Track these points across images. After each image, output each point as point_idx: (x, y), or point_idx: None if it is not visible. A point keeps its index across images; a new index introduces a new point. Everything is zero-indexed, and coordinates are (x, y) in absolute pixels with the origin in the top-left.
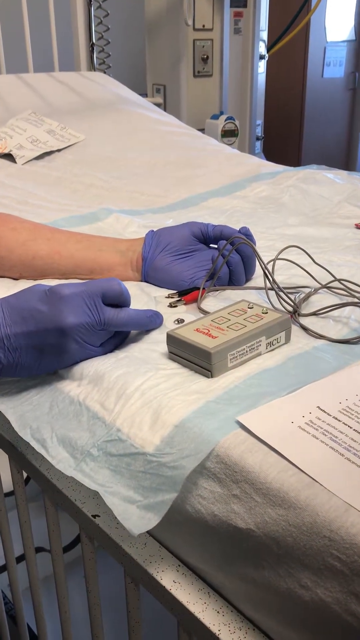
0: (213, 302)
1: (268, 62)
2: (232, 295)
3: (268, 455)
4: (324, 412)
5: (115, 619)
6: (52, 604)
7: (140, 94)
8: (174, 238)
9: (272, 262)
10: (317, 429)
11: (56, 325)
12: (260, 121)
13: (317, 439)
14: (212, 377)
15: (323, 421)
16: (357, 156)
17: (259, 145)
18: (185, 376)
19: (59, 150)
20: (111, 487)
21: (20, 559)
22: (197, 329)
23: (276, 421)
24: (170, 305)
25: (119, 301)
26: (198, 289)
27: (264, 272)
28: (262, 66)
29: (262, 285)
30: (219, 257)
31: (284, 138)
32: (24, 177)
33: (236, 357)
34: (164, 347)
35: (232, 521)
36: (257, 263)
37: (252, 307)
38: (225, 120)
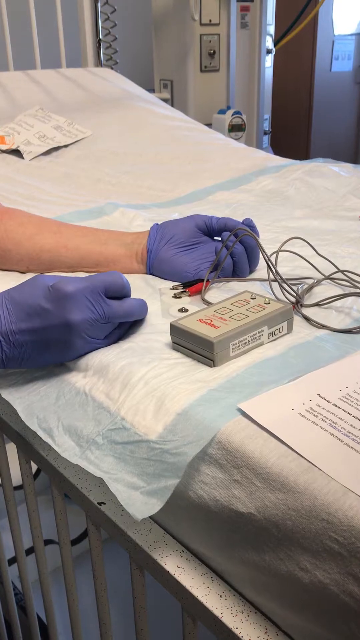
0: (217, 293)
1: (275, 57)
2: (236, 286)
3: (268, 441)
4: (324, 399)
5: (123, 608)
6: (62, 595)
7: (148, 90)
8: (178, 230)
9: (275, 254)
10: (316, 416)
11: (61, 322)
12: (267, 115)
13: (317, 425)
14: (214, 366)
15: (323, 408)
16: None
17: (266, 139)
18: (188, 365)
19: (66, 146)
20: (115, 474)
21: (30, 551)
22: (200, 320)
23: (277, 408)
24: (175, 296)
25: (122, 293)
26: (202, 280)
27: (267, 264)
28: (269, 60)
29: (266, 276)
30: (223, 249)
31: (292, 132)
32: (32, 173)
33: (238, 346)
34: (167, 337)
35: (233, 506)
36: (260, 254)
37: (254, 298)
38: (233, 114)
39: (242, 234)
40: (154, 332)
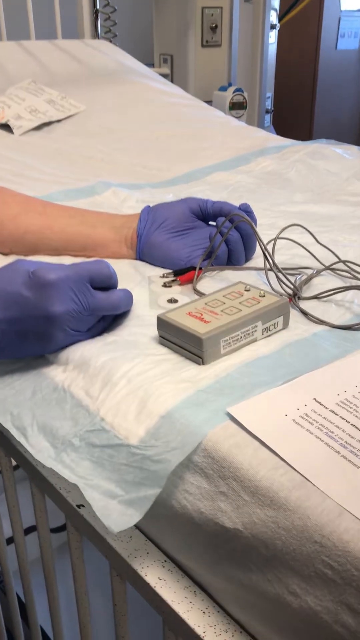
0: (209, 283)
1: (279, 33)
2: (230, 275)
3: (258, 451)
4: (321, 404)
5: (107, 598)
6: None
7: (147, 65)
8: (170, 214)
9: (272, 242)
10: (312, 423)
11: (41, 313)
12: (270, 94)
13: (312, 434)
14: (203, 364)
15: (319, 414)
16: None
17: (268, 118)
18: (175, 363)
19: (58, 121)
20: (92, 480)
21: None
22: (189, 313)
23: (269, 413)
24: (165, 285)
25: (108, 284)
26: (194, 268)
27: (263, 252)
28: (273, 36)
29: (262, 265)
30: (217, 236)
31: (295, 112)
32: (21, 149)
33: (229, 343)
34: (154, 331)
35: (218, 520)
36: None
37: (248, 290)
38: (234, 92)
39: (238, 220)
40: (141, 325)
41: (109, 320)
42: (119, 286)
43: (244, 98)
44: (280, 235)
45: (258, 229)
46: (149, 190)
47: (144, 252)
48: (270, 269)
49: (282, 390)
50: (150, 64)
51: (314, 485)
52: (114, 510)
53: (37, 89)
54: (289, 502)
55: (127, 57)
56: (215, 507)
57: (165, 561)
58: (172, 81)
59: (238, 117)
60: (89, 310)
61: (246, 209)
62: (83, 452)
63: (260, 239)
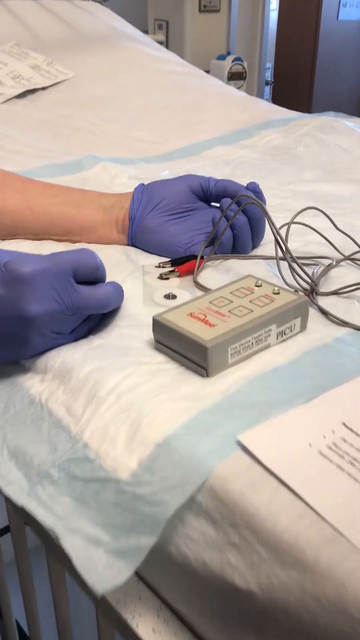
0: (212, 274)
1: (280, 0)
2: (236, 265)
3: (278, 493)
4: (352, 431)
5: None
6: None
7: (141, 31)
8: (168, 194)
9: (285, 227)
10: (342, 456)
11: (16, 313)
12: (270, 64)
13: (344, 470)
14: (207, 376)
15: (351, 445)
16: None
17: (268, 90)
18: (174, 374)
19: (43, 89)
20: (72, 522)
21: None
22: (191, 314)
23: (289, 443)
24: (161, 277)
25: (95, 277)
26: (195, 257)
27: (276, 239)
28: (274, 2)
29: (272, 254)
30: (222, 219)
31: (293, 84)
32: (2, 118)
33: (239, 350)
34: (148, 333)
35: (228, 576)
36: (266, 226)
37: (260, 285)
38: (233, 61)
39: (247, 202)
40: (133, 325)
41: (95, 320)
42: (108, 278)
43: (244, 68)
44: (295, 220)
45: (269, 214)
46: (143, 166)
47: (137, 237)
48: (283, 259)
49: (303, 412)
50: (145, 31)
51: (350, 541)
52: (99, 562)
53: (21, 53)
54: (318, 563)
55: (119, 21)
56: (223, 560)
57: (160, 608)
58: (167, 49)
59: (237, 88)
60: (73, 309)
61: (254, 189)
62: (62, 485)
63: (272, 224)
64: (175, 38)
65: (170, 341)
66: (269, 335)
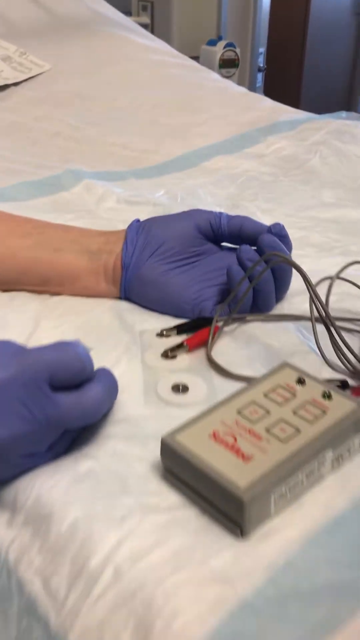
0: (230, 346)
1: None
2: (258, 331)
3: None
4: None
5: None
6: None
7: (123, 13)
8: (171, 235)
9: (321, 284)
10: None
11: None
12: (262, 49)
13: None
14: (242, 535)
15: None
16: None
17: (260, 77)
18: (194, 529)
19: (15, 84)
20: None
21: None
22: (214, 434)
23: None
24: (167, 355)
25: (79, 380)
26: (206, 321)
27: (313, 302)
28: None
29: (300, 308)
30: (243, 279)
31: (282, 69)
32: None
33: (284, 494)
34: (154, 450)
35: None
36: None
37: (303, 383)
38: (225, 47)
39: (276, 261)
40: (132, 437)
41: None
42: (96, 354)
43: (236, 54)
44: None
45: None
46: (133, 183)
47: (131, 289)
48: (318, 320)
49: None
50: (128, 13)
51: None
52: None
53: None
54: None
55: (100, 4)
56: None
57: None
58: (152, 32)
59: (229, 77)
60: (49, 426)
61: (279, 233)
62: None
63: (310, 285)
64: (161, 20)
65: (187, 476)
66: (323, 464)
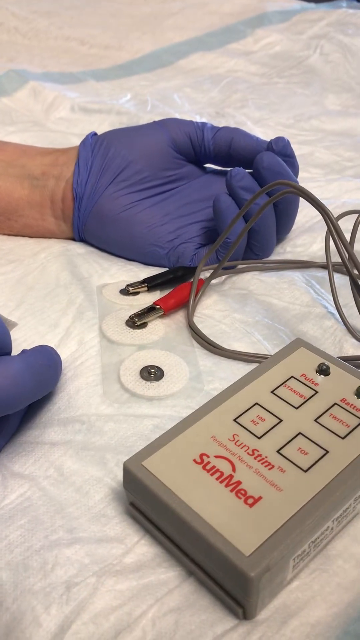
0: (219, 307)
1: None
2: (254, 283)
3: None
4: None
5: None
6: None
7: None
8: (138, 153)
9: (345, 220)
10: None
11: None
12: None
13: None
14: (246, 617)
15: None
16: None
17: None
18: (174, 603)
19: None
20: None
21: None
22: (201, 457)
23: None
24: (133, 323)
25: None
26: (187, 270)
27: (335, 243)
28: None
29: (306, 252)
30: (237, 215)
31: None
32: None
33: (308, 553)
34: (116, 470)
35: None
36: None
37: (327, 372)
38: None
39: (283, 190)
40: (83, 449)
41: (10, 428)
42: (37, 319)
43: None
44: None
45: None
46: (93, 85)
47: (88, 229)
48: (349, 270)
49: None
50: None
51: None
52: None
53: None
54: None
55: None
56: None
57: None
58: None
59: None
60: None
61: (283, 151)
62: None
63: (333, 222)
64: None
65: (163, 523)
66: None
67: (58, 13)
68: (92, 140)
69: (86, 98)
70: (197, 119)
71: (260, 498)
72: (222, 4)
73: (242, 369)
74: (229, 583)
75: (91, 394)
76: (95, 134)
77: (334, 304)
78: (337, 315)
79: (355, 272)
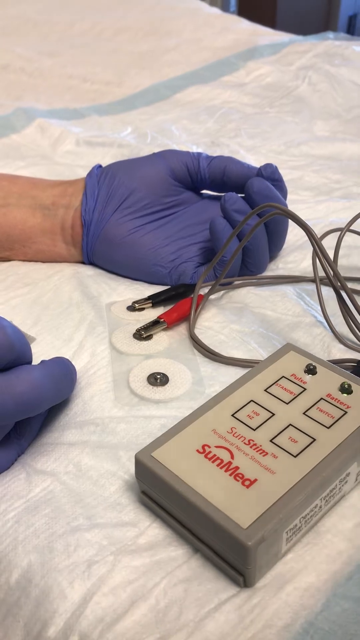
0: (217, 320)
1: None
2: (250, 297)
3: None
4: None
5: None
6: None
7: None
8: (139, 183)
9: (330, 238)
10: None
11: None
12: None
13: None
14: (246, 585)
15: None
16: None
17: (234, 0)
18: (183, 576)
19: None
20: None
21: None
22: (203, 448)
23: None
24: (140, 335)
25: (9, 360)
26: (187, 287)
27: (319, 259)
28: None
29: (297, 267)
30: (232, 235)
31: None
32: None
33: (300, 528)
34: (127, 464)
35: None
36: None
37: (314, 372)
38: None
39: (271, 212)
40: (99, 447)
41: (32, 431)
42: (53, 336)
43: None
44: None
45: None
46: (96, 120)
47: (96, 252)
48: (332, 283)
49: None
50: None
51: None
52: None
53: None
54: None
55: None
56: None
57: None
58: None
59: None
60: None
61: (271, 176)
62: None
63: (315, 239)
64: None
65: (172, 506)
66: (347, 480)
67: (61, 53)
68: (98, 172)
69: (90, 132)
70: (194, 149)
71: (255, 480)
72: (216, 39)
73: (239, 374)
74: (230, 554)
75: (104, 399)
76: (100, 166)
77: (322, 314)
78: (325, 324)
79: (339, 284)
